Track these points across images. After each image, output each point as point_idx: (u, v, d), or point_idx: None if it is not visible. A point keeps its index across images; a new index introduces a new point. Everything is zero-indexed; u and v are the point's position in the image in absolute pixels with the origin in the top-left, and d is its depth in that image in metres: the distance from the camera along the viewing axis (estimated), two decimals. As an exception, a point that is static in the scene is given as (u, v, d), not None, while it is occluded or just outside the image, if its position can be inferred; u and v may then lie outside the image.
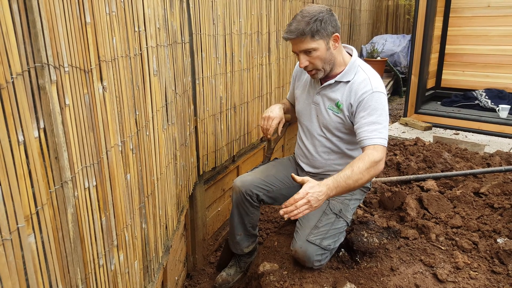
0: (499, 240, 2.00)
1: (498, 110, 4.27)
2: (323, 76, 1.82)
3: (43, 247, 0.77)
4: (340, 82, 1.82)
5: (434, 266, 1.81)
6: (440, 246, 1.99)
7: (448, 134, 4.13)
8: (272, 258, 1.97)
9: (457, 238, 2.04)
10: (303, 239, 1.78)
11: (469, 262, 1.84)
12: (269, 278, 1.78)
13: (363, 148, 1.70)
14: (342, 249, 1.93)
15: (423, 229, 2.13)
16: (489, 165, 3.00)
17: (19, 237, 0.68)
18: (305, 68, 1.79)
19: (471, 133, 4.13)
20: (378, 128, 1.69)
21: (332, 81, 1.84)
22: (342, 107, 1.81)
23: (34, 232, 0.73)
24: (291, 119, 2.24)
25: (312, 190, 1.55)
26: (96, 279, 1.01)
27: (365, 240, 1.90)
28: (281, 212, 1.53)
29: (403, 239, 2.06)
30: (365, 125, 1.70)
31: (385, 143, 1.69)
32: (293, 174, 1.67)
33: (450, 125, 4.33)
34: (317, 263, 1.78)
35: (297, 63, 2.08)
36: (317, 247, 1.76)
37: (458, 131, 4.20)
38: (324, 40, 1.71)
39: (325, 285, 1.72)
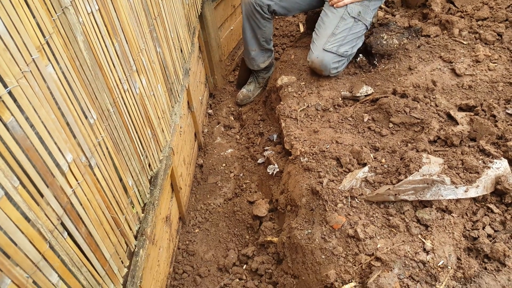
0: (526, 28, 1.91)
1: None
2: None
3: (65, 77, 0.80)
4: None
5: (453, 61, 1.80)
6: (462, 41, 1.93)
7: None
8: (290, 71, 2.00)
9: (481, 31, 1.96)
10: (319, 48, 1.76)
11: (489, 54, 1.81)
12: (288, 90, 1.85)
13: None
14: (360, 54, 1.91)
15: (446, 24, 2.04)
16: None
17: (38, 68, 0.70)
18: None
19: None
20: None
21: None
22: None
23: (50, 62, 0.74)
24: None
25: None
26: (124, 103, 1.07)
27: (384, 42, 1.86)
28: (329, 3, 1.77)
29: (424, 38, 2.01)
30: None
31: None
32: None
33: None
34: (334, 70, 1.80)
35: None
36: (334, 55, 1.75)
37: None
38: None
39: (341, 90, 1.78)
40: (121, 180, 1.05)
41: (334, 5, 1.78)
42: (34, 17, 0.70)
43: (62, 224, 0.75)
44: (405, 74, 1.80)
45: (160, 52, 1.36)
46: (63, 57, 0.78)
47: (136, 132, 1.15)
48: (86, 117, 0.88)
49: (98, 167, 0.92)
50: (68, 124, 0.81)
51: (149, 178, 1.25)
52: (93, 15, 0.89)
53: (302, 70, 1.97)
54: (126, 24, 1.06)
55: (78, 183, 0.82)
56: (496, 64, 1.76)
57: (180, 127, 1.59)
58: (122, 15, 1.03)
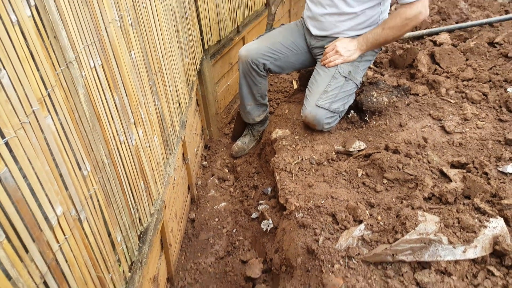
0: (509, 89, 2.00)
1: None
2: None
3: (63, 128, 0.80)
4: None
5: (442, 119, 1.85)
6: (450, 100, 2.01)
7: (466, -19, 3.79)
8: (284, 125, 2.03)
9: (467, 91, 2.04)
10: (312, 104, 1.81)
11: (477, 113, 1.88)
12: (282, 143, 1.87)
13: (400, 6, 1.73)
14: (352, 111, 1.96)
15: (433, 84, 2.13)
16: (507, 12, 2.82)
17: (37, 119, 0.70)
18: None
19: (492, -22, 3.78)
20: None
21: None
22: None
23: (50, 114, 0.74)
24: None
25: (340, 41, 1.82)
26: (120, 154, 1.07)
27: (374, 100, 1.92)
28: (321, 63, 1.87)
29: (413, 96, 2.08)
30: None
31: None
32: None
33: (469, -30, 3.94)
34: (327, 125, 1.84)
35: None
36: (327, 111, 1.79)
37: (478, -23, 3.84)
38: None
39: (335, 144, 1.80)
40: (109, 235, 1.02)
41: (326, 65, 1.85)
42: (38, 69, 0.71)
43: (45, 283, 0.72)
44: (396, 130, 1.84)
45: (158, 105, 1.39)
46: (62, 108, 0.79)
47: (129, 184, 1.14)
48: (80, 169, 0.87)
49: (88, 221, 0.89)
50: (61, 175, 0.80)
51: (138, 233, 1.22)
52: (95, 69, 0.91)
53: (296, 124, 2.00)
54: (127, 78, 1.08)
55: (66, 238, 0.79)
56: (484, 123, 1.81)
57: (174, 179, 1.57)
58: (124, 70, 1.06)
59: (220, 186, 2.12)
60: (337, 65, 1.83)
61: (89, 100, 0.89)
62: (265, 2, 2.79)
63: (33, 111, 0.69)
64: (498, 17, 2.62)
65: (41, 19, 0.73)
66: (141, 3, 1.22)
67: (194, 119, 2.11)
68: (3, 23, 0.60)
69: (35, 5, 0.71)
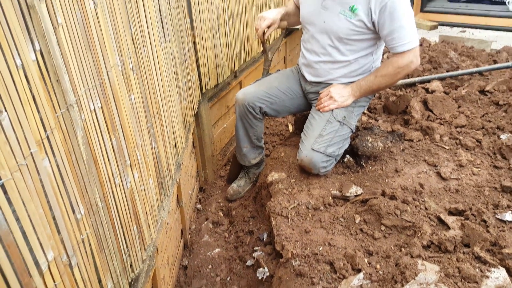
0: (502, 136, 2.03)
1: (508, 2, 4.04)
2: None
3: (59, 170, 0.79)
4: None
5: (437, 165, 1.86)
6: (444, 146, 2.03)
7: (454, 32, 3.97)
8: (280, 168, 2.03)
9: (461, 137, 2.07)
10: (308, 148, 1.82)
11: (472, 159, 1.89)
12: (278, 186, 1.86)
13: (392, 55, 1.78)
14: (347, 155, 1.97)
15: (427, 130, 2.16)
16: (495, 62, 2.93)
17: (34, 161, 0.69)
18: None
19: (478, 30, 3.97)
20: (404, 34, 1.67)
21: None
22: (358, 11, 1.69)
23: (47, 156, 0.74)
24: (292, 24, 2.15)
25: (334, 88, 1.87)
26: (114, 197, 1.05)
27: (369, 145, 1.93)
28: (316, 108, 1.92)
29: (408, 142, 2.10)
30: (392, 33, 1.67)
31: (414, 43, 1.70)
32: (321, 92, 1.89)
33: (457, 22, 4.15)
34: (323, 169, 1.83)
35: None
36: (322, 155, 1.80)
37: (465, 29, 4.04)
38: None
39: (331, 189, 1.79)
40: (100, 281, 0.98)
41: (321, 110, 1.88)
42: (38, 111, 0.71)
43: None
44: (392, 176, 1.84)
45: (155, 147, 1.38)
46: (60, 151, 0.78)
47: (122, 228, 1.11)
48: (73, 212, 0.85)
49: (78, 267, 0.86)
50: (54, 218, 0.78)
51: (129, 280, 1.17)
52: (95, 112, 0.92)
53: (292, 167, 2.00)
54: (125, 121, 1.09)
55: (55, 284, 0.76)
56: (479, 169, 1.83)
57: (167, 223, 1.54)
58: (123, 113, 1.07)
59: (214, 230, 2.07)
60: (332, 110, 1.86)
61: (87, 143, 0.89)
62: (261, 49, 2.88)
63: (31, 153, 0.68)
64: (487, 67, 2.71)
65: (45, 63, 0.74)
66: (142, 48, 1.25)
67: (190, 161, 2.10)
68: (8, 67, 0.61)
69: (40, 50, 0.73)
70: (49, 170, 0.74)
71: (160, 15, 1.47)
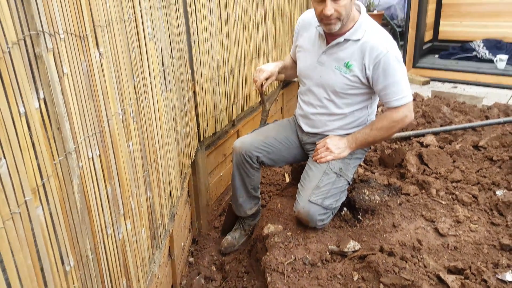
0: (498, 192, 2.03)
1: (496, 60, 4.23)
2: (339, 28, 1.72)
3: (52, 219, 0.77)
4: (349, 40, 1.76)
5: (435, 220, 1.84)
6: (441, 201, 2.02)
7: (446, 88, 4.10)
8: (276, 220, 1.99)
9: (457, 192, 2.06)
10: (305, 199, 1.80)
11: (469, 215, 1.88)
12: (274, 240, 1.82)
13: (386, 109, 1.82)
14: (345, 208, 1.95)
15: (423, 184, 2.16)
16: (487, 118, 3.00)
17: (27, 210, 0.67)
18: (330, 16, 1.66)
19: (469, 86, 4.11)
20: (398, 89, 1.72)
21: (341, 39, 1.76)
22: (352, 67, 1.76)
23: (41, 204, 0.72)
24: (289, 77, 2.21)
25: (331, 139, 1.86)
26: (105, 248, 1.02)
27: (366, 198, 1.92)
28: (312, 159, 1.88)
29: (404, 196, 2.09)
30: (386, 88, 1.73)
31: (408, 98, 1.75)
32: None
33: (448, 78, 4.30)
34: (320, 222, 1.80)
35: (300, 18, 2.02)
36: (319, 207, 1.78)
37: (456, 84, 4.18)
38: None
39: (328, 243, 1.75)
40: None
41: (317, 161, 1.89)
42: (37, 158, 0.71)
43: None
44: (390, 231, 1.81)
45: (150, 196, 1.36)
46: (55, 199, 0.76)
47: (111, 282, 1.06)
48: (63, 263, 0.81)
49: (64, 325, 0.81)
50: (42, 269, 0.74)
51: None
52: (93, 160, 0.91)
53: (289, 219, 1.97)
54: (122, 169, 1.08)
55: None
56: (477, 226, 1.80)
57: (158, 277, 1.48)
58: (120, 161, 1.06)
59: (206, 286, 1.99)
60: (328, 161, 1.87)
61: (82, 191, 0.87)
62: (259, 99, 2.94)
63: (25, 201, 0.66)
64: (480, 122, 2.78)
65: (47, 111, 0.74)
66: (144, 98, 1.27)
67: (184, 210, 2.07)
68: (11, 115, 0.61)
69: (44, 98, 0.74)
70: (42, 219, 0.72)
71: (163, 66, 1.51)
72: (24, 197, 0.66)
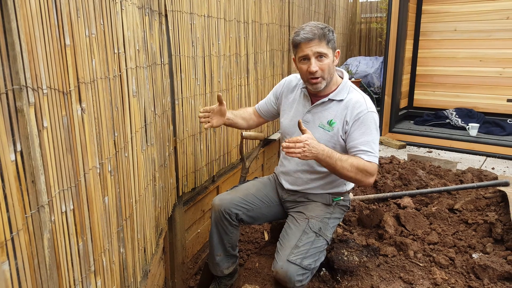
0: (474, 255, 2.05)
1: (468, 128, 4.44)
2: (323, 87, 1.84)
3: (18, 275, 0.74)
4: (333, 100, 1.88)
5: (413, 283, 1.83)
6: (418, 263, 2.02)
7: (421, 152, 4.25)
8: (254, 280, 1.94)
9: (434, 254, 2.07)
10: (283, 259, 1.77)
11: (446, 278, 1.87)
12: (251, 301, 1.76)
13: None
14: (323, 268, 1.93)
15: (401, 246, 2.16)
16: (461, 182, 3.09)
17: (-8, 265, 0.66)
18: (315, 73, 1.77)
19: (443, 151, 4.26)
20: (370, 148, 1.78)
21: (325, 99, 1.88)
22: (335, 125, 1.85)
23: (8, 259, 0.70)
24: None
25: (311, 141, 1.69)
26: (72, 309, 0.97)
27: (345, 258, 1.91)
28: (283, 144, 1.68)
29: (383, 257, 2.08)
30: (361, 144, 1.78)
31: (377, 160, 1.79)
32: (300, 120, 1.74)
33: (423, 143, 4.47)
34: (299, 283, 1.76)
35: (286, 79, 2.11)
36: (298, 267, 1.75)
37: (431, 149, 4.33)
38: (332, 51, 1.80)
39: (306, 305, 1.70)
40: None
41: (286, 153, 1.70)
42: (8, 211, 0.70)
43: None
44: (369, 293, 1.78)
45: (123, 252, 1.33)
46: (23, 254, 0.74)
47: None
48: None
49: None
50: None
51: None
52: (66, 214, 0.90)
53: (267, 279, 1.92)
54: (96, 224, 1.06)
55: None
56: (454, 289, 1.80)
57: None
58: (94, 216, 1.05)
59: None
60: (298, 157, 1.70)
61: (52, 246, 0.85)
62: (240, 156, 2.98)
63: (-10, 257, 0.65)
64: (455, 186, 2.86)
65: (23, 164, 0.75)
66: (123, 152, 1.28)
67: (158, 268, 2.00)
68: (-14, 167, 0.62)
69: (21, 151, 0.74)
70: (7, 275, 0.70)
71: (145, 122, 1.54)
72: (-10, 251, 0.65)
